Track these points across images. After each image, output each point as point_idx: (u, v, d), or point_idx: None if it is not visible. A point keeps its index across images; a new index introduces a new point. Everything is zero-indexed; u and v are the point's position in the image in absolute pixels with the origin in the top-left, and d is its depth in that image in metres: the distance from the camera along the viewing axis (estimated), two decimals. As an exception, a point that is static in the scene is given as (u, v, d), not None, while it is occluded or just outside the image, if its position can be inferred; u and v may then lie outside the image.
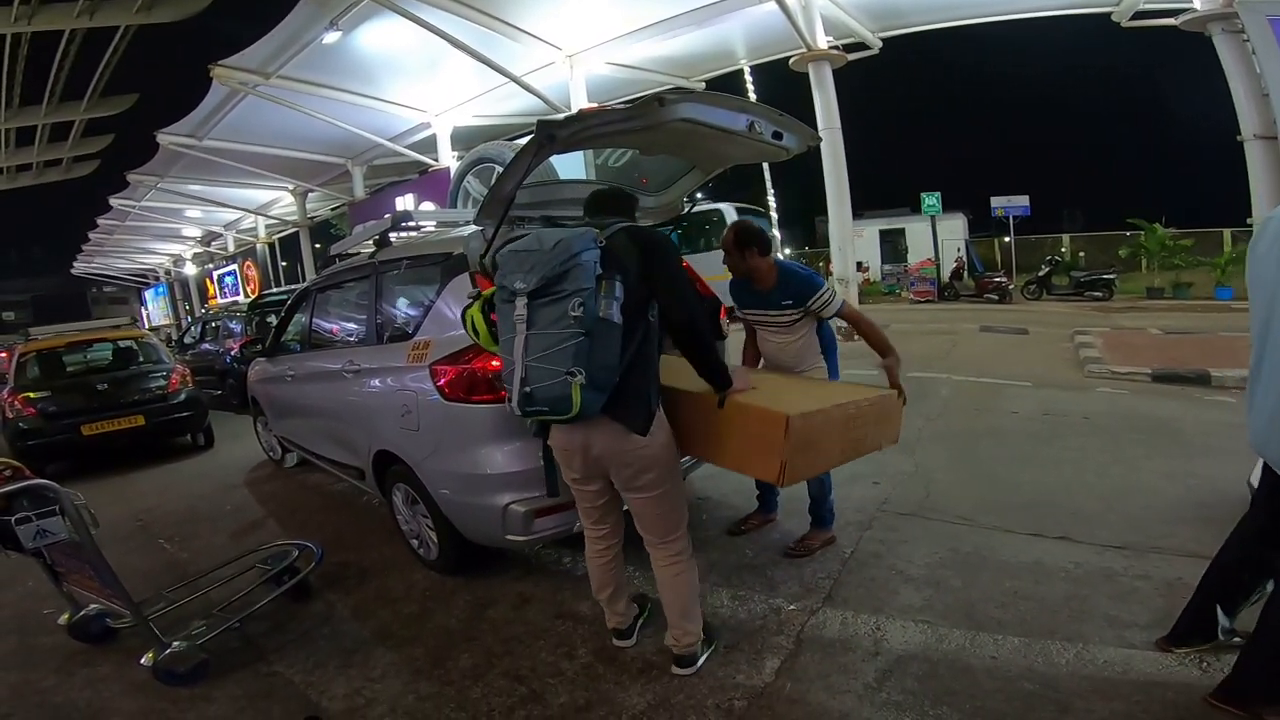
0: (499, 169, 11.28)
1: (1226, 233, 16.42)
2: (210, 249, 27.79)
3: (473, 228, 3.07)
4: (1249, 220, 7.77)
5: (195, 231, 26.17)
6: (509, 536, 2.64)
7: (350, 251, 4.63)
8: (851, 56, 10.07)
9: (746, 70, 12.11)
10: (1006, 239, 18.38)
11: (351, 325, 4.11)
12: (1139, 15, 9.26)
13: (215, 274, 25.72)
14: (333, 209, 22.69)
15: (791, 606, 2.58)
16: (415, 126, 13.95)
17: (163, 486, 5.64)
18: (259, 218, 21.87)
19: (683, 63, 11.93)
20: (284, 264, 26.03)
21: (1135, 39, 10.06)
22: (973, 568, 2.81)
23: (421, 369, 2.84)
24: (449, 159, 13.74)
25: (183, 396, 6.73)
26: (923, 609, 2.51)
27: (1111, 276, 14.12)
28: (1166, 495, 3.47)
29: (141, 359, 7.21)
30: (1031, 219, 17.43)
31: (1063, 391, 6.04)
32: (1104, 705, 1.92)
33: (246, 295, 21.89)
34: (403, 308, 3.45)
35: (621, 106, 2.27)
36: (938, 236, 16.68)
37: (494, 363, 2.57)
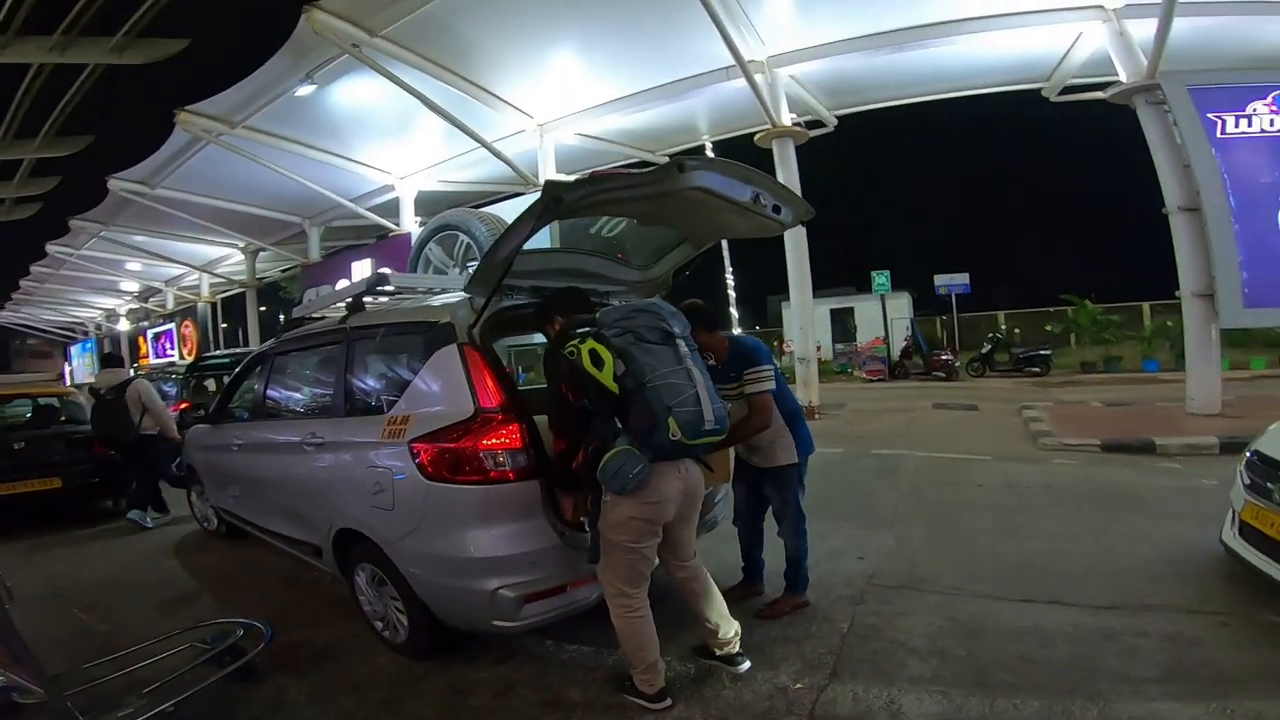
0: (464, 237, 11.31)
1: (1145, 306, 17.68)
2: (148, 305, 26.58)
3: (454, 296, 3.00)
4: (1176, 293, 8.21)
5: (134, 285, 25.03)
6: (496, 622, 2.44)
7: (314, 315, 4.45)
8: (812, 133, 10.62)
9: (708, 146, 12.65)
10: (948, 317, 19.33)
11: (315, 394, 3.89)
12: (1067, 90, 10.14)
13: (150, 332, 24.51)
14: (283, 270, 22.16)
15: (798, 685, 2.43)
16: (379, 188, 13.90)
17: (82, 553, 5.13)
18: (204, 275, 21.12)
19: (648, 136, 12.35)
20: (224, 326, 25.06)
21: (1067, 116, 10.94)
22: (973, 635, 2.74)
23: (398, 445, 2.64)
24: (411, 224, 13.67)
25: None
26: (933, 679, 2.42)
27: (1048, 353, 14.94)
28: (1141, 556, 3.54)
29: (64, 417, 6.68)
30: (969, 296, 18.43)
31: (1021, 464, 6.18)
32: None
33: (183, 356, 20.87)
34: (377, 379, 3.26)
35: (639, 171, 2.27)
36: (888, 315, 17.36)
37: (487, 441, 2.45)
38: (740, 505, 3.26)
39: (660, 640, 2.36)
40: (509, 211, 11.14)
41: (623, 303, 2.71)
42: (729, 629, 2.56)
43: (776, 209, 2.71)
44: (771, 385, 2.88)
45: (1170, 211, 7.84)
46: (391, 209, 14.16)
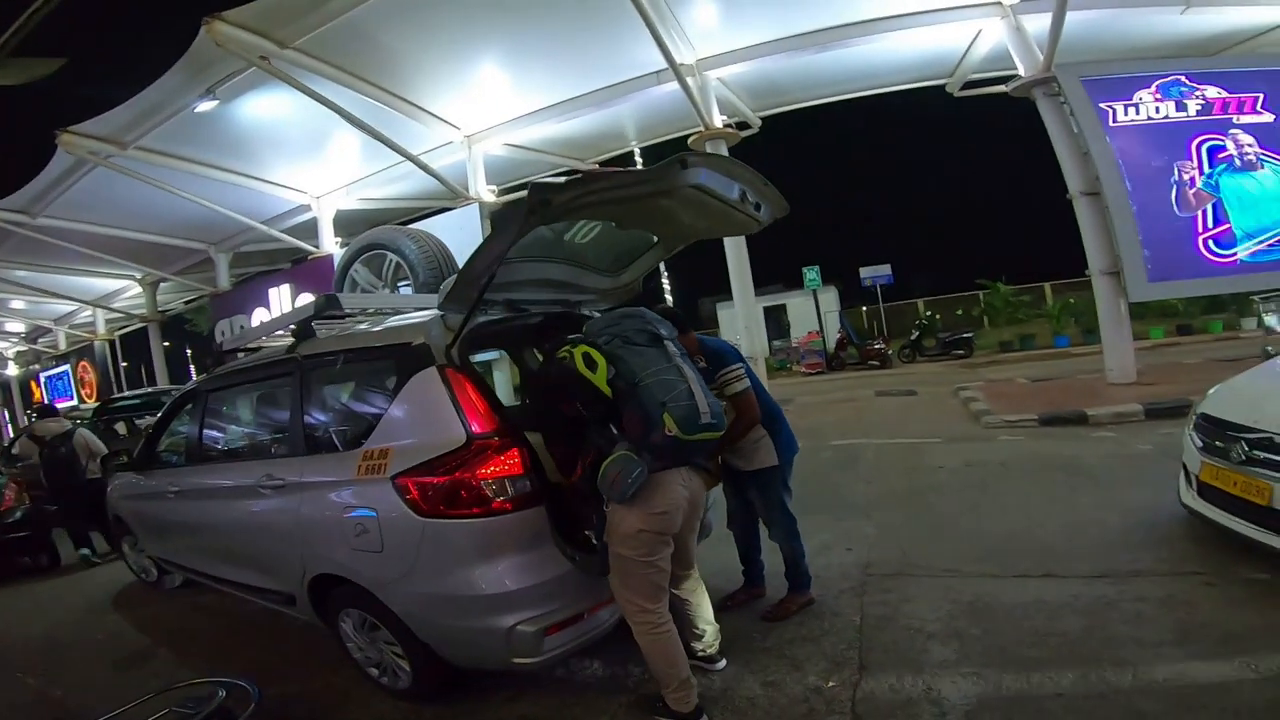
0: (392, 256, 10.74)
1: (1047, 286, 19.01)
2: (37, 346, 24.12)
3: (422, 314, 2.80)
4: (1086, 272, 8.77)
5: (18, 326, 22.67)
6: (517, 660, 2.26)
7: (249, 346, 4.10)
8: (742, 134, 10.78)
9: (637, 151, 12.69)
10: (869, 307, 20.11)
11: (265, 433, 3.58)
12: (969, 85, 10.78)
13: (42, 376, 22.21)
14: (187, 301, 20.63)
15: (830, 684, 2.37)
16: (294, 209, 13.11)
17: (7, 611, 4.70)
18: (98, 310, 19.35)
19: (578, 144, 12.21)
20: (125, 364, 23.07)
21: (970, 109, 11.67)
22: (983, 615, 2.77)
23: (380, 482, 2.41)
24: (331, 245, 12.97)
25: (18, 515, 5.89)
26: (960, 661, 2.42)
27: (969, 335, 15.78)
28: (1110, 525, 3.68)
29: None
30: (891, 286, 19.24)
31: (971, 443, 6.43)
32: (1194, 717, 1.95)
33: (82, 400, 19.04)
34: (342, 411, 3.01)
35: (636, 170, 2.17)
36: (820, 309, 17.88)
37: (485, 469, 2.26)
38: (733, 509, 3.22)
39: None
40: (440, 227, 10.81)
41: (599, 312, 2.63)
42: (713, 632, 2.60)
43: (757, 206, 2.65)
44: (748, 382, 2.84)
45: (1073, 196, 8.32)
46: (309, 230, 13.34)
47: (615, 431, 2.22)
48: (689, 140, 10.06)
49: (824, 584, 3.23)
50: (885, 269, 17.86)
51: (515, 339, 3.80)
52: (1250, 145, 7.97)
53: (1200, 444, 3.28)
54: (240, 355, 3.94)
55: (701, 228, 2.87)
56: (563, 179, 2.10)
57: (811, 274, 17.25)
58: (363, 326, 3.20)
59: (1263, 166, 7.93)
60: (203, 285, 16.60)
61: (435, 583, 2.31)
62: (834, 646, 2.65)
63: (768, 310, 20.43)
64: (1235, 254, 7.86)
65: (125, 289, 18.15)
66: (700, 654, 2.55)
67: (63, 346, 22.24)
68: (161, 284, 17.59)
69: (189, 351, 30.95)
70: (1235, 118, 8.06)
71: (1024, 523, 3.89)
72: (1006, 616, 2.72)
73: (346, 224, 13.42)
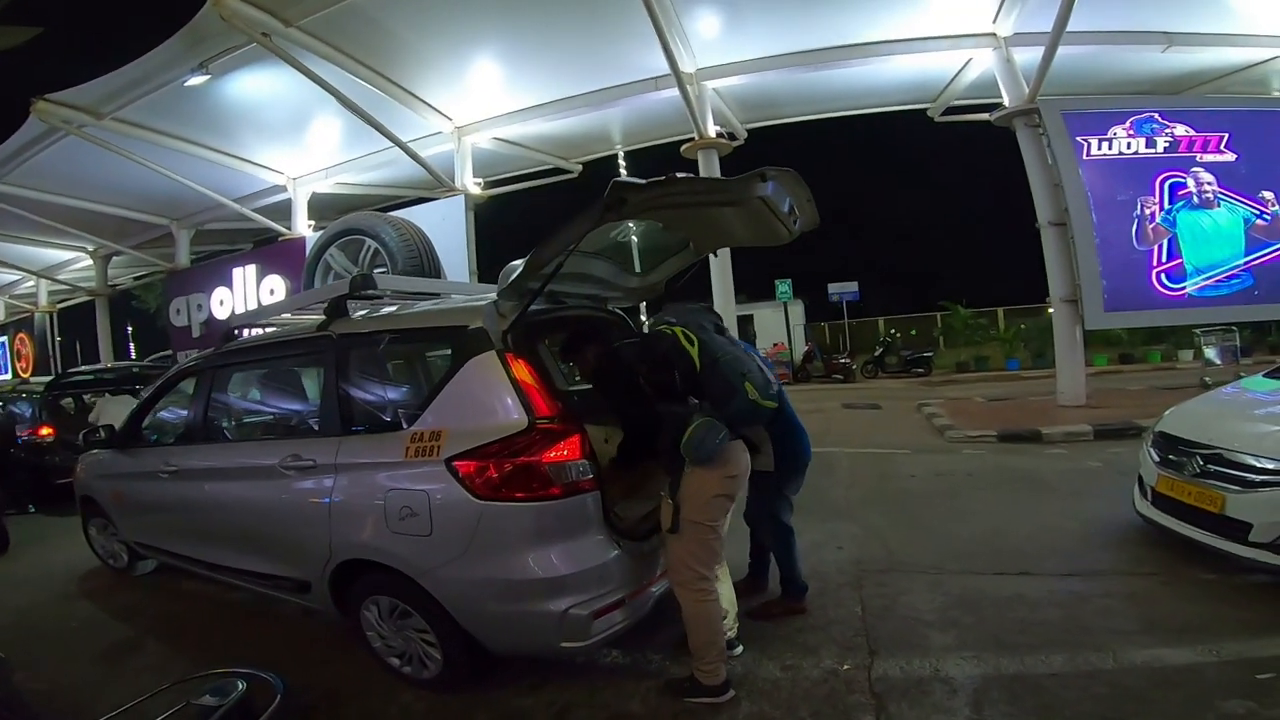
0: (371, 242, 10.67)
1: (1000, 311, 19.98)
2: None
3: (477, 299, 2.85)
4: (1046, 299, 9.29)
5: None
6: (565, 644, 2.33)
7: (261, 323, 4.07)
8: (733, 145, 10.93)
9: (622, 155, 12.85)
10: (833, 323, 20.71)
11: (290, 412, 3.53)
12: (950, 111, 11.24)
13: (-23, 348, 21.02)
14: (137, 277, 19.80)
15: (846, 666, 2.59)
16: (268, 189, 12.83)
17: None
18: (42, 281, 18.44)
19: (567, 144, 12.33)
20: (60, 339, 21.92)
21: (946, 134, 12.13)
22: (973, 606, 3.03)
23: (432, 465, 2.42)
24: (304, 228, 12.73)
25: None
26: (959, 646, 2.67)
27: (930, 355, 16.50)
28: (1071, 531, 4.04)
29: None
30: (855, 303, 19.87)
31: (938, 455, 6.80)
32: (1172, 694, 2.23)
33: (16, 374, 18.09)
34: (385, 391, 3.01)
35: (718, 177, 2.32)
36: (790, 321, 18.37)
37: (550, 454, 2.32)
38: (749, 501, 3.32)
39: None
40: (421, 217, 10.77)
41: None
42: (734, 615, 2.74)
43: (794, 219, 2.80)
44: None
45: (1042, 225, 8.75)
46: (281, 211, 13.07)
47: (696, 401, 2.44)
48: (681, 148, 10.26)
49: (822, 578, 3.45)
50: (853, 286, 18.47)
51: (546, 331, 3.90)
52: (1210, 184, 8.43)
53: (1157, 458, 3.65)
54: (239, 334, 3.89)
55: (740, 235, 3.00)
56: (642, 179, 2.18)
57: (784, 287, 17.71)
58: (392, 309, 3.21)
59: (1218, 205, 8.41)
60: (159, 261, 16.02)
61: (489, 567, 2.34)
62: (842, 634, 2.86)
63: (738, 319, 20.87)
64: (1185, 288, 8.36)
65: (73, 260, 17.36)
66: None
67: (0, 317, 21.08)
68: (114, 258, 16.90)
69: (130, 329, 29.60)
70: (1199, 156, 8.52)
71: (995, 527, 4.21)
72: (993, 608, 2.99)
73: (322, 207, 13.20)
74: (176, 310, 13.67)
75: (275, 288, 11.95)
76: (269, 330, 4.00)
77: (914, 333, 19.40)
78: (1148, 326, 11.99)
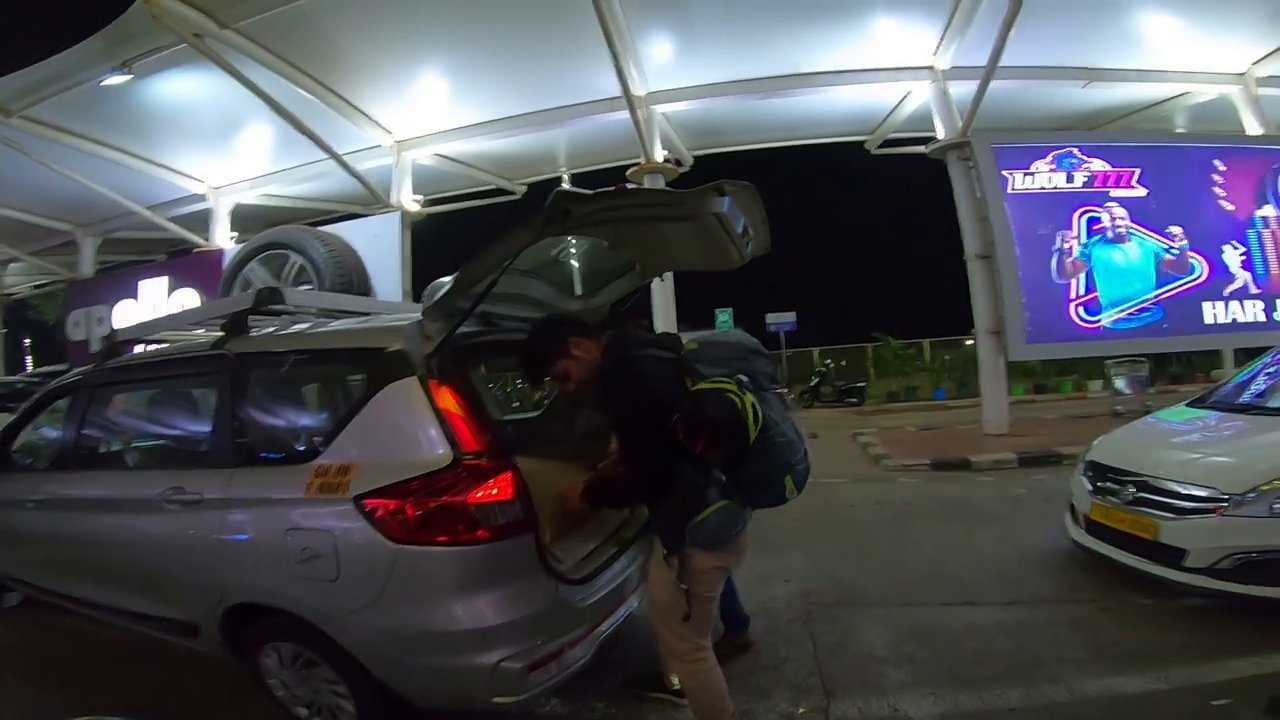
0: (296, 258, 10.17)
1: (926, 343, 20.83)
2: None
3: (397, 319, 2.62)
4: (972, 330, 9.60)
5: None
6: (497, 699, 2.10)
7: (149, 339, 3.69)
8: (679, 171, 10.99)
9: (566, 177, 12.75)
10: (775, 353, 21.05)
11: (174, 439, 3.21)
12: (887, 144, 11.59)
13: None
14: (36, 286, 18.26)
15: (801, 710, 2.48)
16: (186, 198, 12.04)
17: None
18: (-76, 288, 16.69)
19: (511, 163, 12.12)
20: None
21: (881, 167, 12.46)
22: (924, 639, 2.98)
23: (338, 502, 2.17)
24: (225, 240, 12.01)
25: None
26: (916, 683, 2.60)
27: (863, 385, 16.96)
28: (1009, 557, 4.10)
29: None
30: (790, 333, 20.24)
31: (875, 484, 6.88)
32: None
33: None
34: (286, 419, 2.73)
35: (671, 190, 2.19)
36: (730, 351, 18.43)
37: (478, 493, 2.09)
38: None
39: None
40: (353, 233, 10.34)
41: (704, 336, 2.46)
42: None
43: (747, 241, 2.70)
44: None
45: (969, 258, 9.02)
46: (199, 222, 12.28)
47: (720, 476, 2.02)
48: (627, 172, 10.24)
49: (772, 614, 3.35)
50: (790, 316, 18.84)
51: (478, 355, 3.68)
52: (1122, 218, 8.83)
53: (1090, 487, 3.74)
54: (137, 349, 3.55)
55: (689, 258, 2.86)
56: (588, 190, 2.02)
57: (724, 315, 17.84)
58: (301, 326, 2.94)
59: (1130, 239, 8.84)
60: (60, 270, 14.81)
61: (407, 616, 2.10)
62: (796, 673, 2.75)
63: (679, 344, 20.89)
64: (1100, 321, 8.74)
65: (-41, 267, 15.82)
66: (673, 687, 2.52)
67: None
68: (11, 264, 15.54)
69: (28, 340, 27.32)
70: (1113, 191, 8.86)
71: (937, 556, 4.22)
72: (945, 641, 2.95)
73: (244, 220, 12.49)
74: (75, 323, 12.69)
75: (187, 302, 11.20)
76: (158, 346, 3.62)
77: (844, 363, 19.95)
78: (1065, 358, 12.56)
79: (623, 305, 3.37)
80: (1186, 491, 3.13)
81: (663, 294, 10.13)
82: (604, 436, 3.37)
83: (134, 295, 12.07)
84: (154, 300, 11.81)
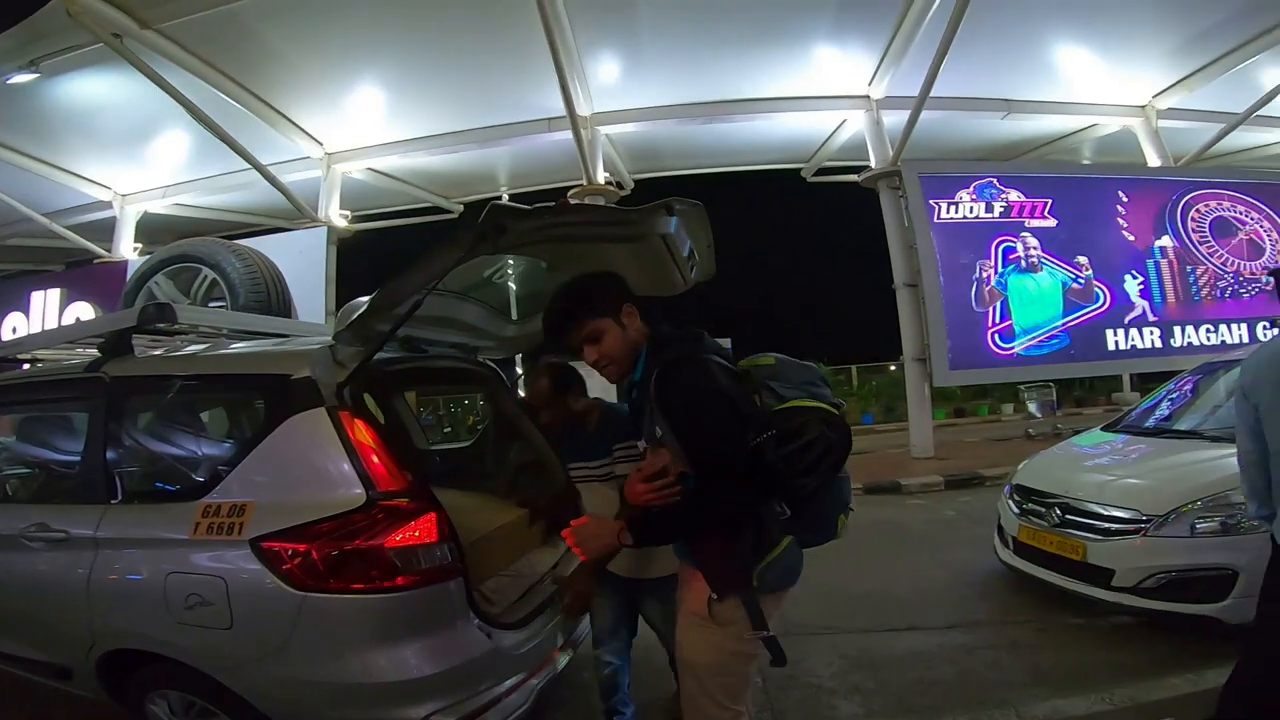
0: (208, 272, 9.57)
1: (854, 369, 21.58)
2: None
3: (306, 342, 2.42)
4: (900, 356, 9.94)
5: None
6: None
7: (24, 356, 3.33)
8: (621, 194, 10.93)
9: (506, 197, 12.55)
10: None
11: (45, 469, 2.90)
12: (822, 171, 11.95)
13: None
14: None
15: (755, 746, 2.35)
16: (89, 204, 11.18)
17: None
18: None
19: (448, 181, 11.87)
20: None
21: (815, 195, 12.79)
22: (872, 668, 2.97)
23: (232, 545, 1.97)
24: (129, 251, 11.21)
25: None
26: (867, 715, 2.59)
27: (794, 409, 17.30)
28: (945, 580, 4.19)
29: None
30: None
31: (807, 506, 6.97)
32: None
33: None
34: (171, 451, 2.45)
35: (617, 207, 2.06)
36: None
37: (400, 536, 1.91)
38: (606, 624, 2.41)
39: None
40: (274, 247, 9.78)
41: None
42: None
43: (692, 265, 2.59)
44: None
45: (897, 286, 9.35)
46: (102, 231, 11.41)
47: (786, 510, 1.67)
48: (568, 193, 10.13)
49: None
50: (726, 342, 19.00)
51: (397, 383, 3.47)
52: (1035, 248, 9.27)
53: (1017, 510, 3.87)
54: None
55: (632, 281, 2.76)
56: (527, 205, 1.92)
57: (661, 340, 17.92)
58: (196, 348, 2.69)
59: (1041, 269, 9.32)
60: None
61: (319, 667, 1.90)
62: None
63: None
64: (1014, 348, 9.18)
65: None
66: None
67: None
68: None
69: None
70: (1027, 221, 9.32)
71: (877, 580, 4.25)
72: (892, 669, 2.95)
73: (153, 230, 11.71)
74: (16, 339, 11.50)
75: (84, 316, 10.35)
76: (28, 366, 3.27)
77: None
78: (985, 384, 13.08)
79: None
80: (1109, 513, 3.27)
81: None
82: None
83: (24, 308, 11.11)
84: (45, 313, 10.93)
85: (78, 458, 2.50)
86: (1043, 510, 3.65)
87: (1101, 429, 4.59)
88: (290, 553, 1.90)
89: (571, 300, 1.80)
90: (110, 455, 2.35)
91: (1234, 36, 8.70)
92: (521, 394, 3.41)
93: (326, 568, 1.88)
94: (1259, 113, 9.64)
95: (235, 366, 2.46)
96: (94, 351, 3.06)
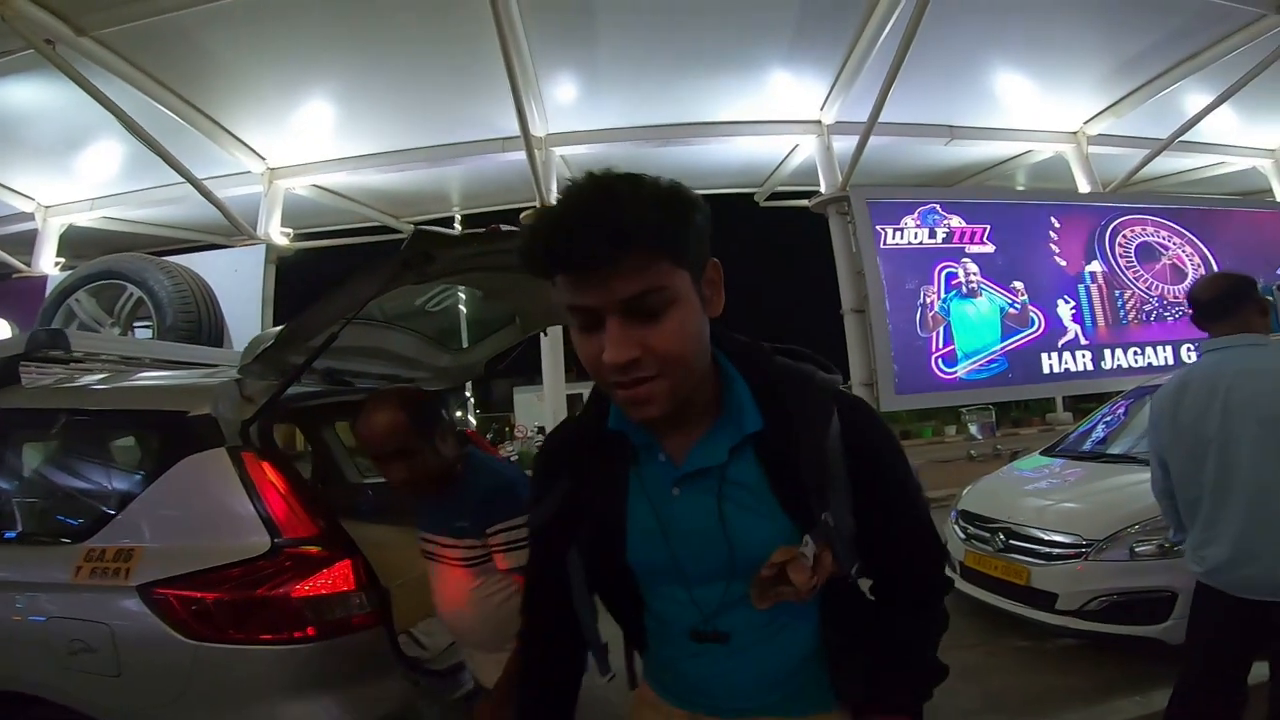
0: (134, 290, 9.11)
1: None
2: None
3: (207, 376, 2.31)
4: (847, 382, 10.01)
5: None
6: None
7: None
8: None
9: (458, 218, 12.37)
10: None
11: None
12: (774, 196, 12.05)
13: None
14: None
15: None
16: (7, 215, 10.51)
17: None
18: None
19: (397, 200, 11.58)
20: None
21: (766, 220, 12.91)
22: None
23: (116, 591, 1.85)
24: (49, 266, 10.55)
25: None
26: None
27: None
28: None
29: None
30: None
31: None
32: None
33: None
34: (53, 489, 2.31)
35: None
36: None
37: (308, 586, 1.80)
38: None
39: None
40: (207, 266, 9.33)
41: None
42: None
43: None
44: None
45: (846, 312, 9.47)
46: (22, 243, 10.72)
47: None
48: (520, 214, 10.02)
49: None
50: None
51: (328, 415, 3.29)
52: (975, 274, 9.41)
53: (963, 535, 3.94)
54: None
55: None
56: (454, 231, 1.80)
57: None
58: (93, 379, 2.52)
59: (981, 294, 9.51)
60: None
61: (224, 718, 1.79)
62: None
63: (569, 398, 20.54)
64: (956, 372, 9.33)
65: None
66: None
67: None
68: None
69: None
70: (967, 247, 9.46)
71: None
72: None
73: (78, 244, 11.04)
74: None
75: (-1, 334, 9.64)
76: None
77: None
78: (929, 408, 13.21)
79: (500, 362, 3.05)
80: (1050, 538, 3.34)
81: (551, 349, 9.89)
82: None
83: (-71, 326, 10.25)
84: (-45, 331, 10.11)
85: None
86: (987, 535, 3.72)
87: (1040, 453, 4.72)
88: (182, 600, 1.79)
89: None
90: None
91: (1160, 62, 9.05)
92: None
93: (224, 617, 1.78)
94: (1182, 138, 10.02)
95: (129, 401, 2.30)
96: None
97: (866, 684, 0.98)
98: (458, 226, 12.36)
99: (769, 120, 9.83)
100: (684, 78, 8.67)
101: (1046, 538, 3.36)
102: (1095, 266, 10.08)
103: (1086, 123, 10.67)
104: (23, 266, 10.74)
